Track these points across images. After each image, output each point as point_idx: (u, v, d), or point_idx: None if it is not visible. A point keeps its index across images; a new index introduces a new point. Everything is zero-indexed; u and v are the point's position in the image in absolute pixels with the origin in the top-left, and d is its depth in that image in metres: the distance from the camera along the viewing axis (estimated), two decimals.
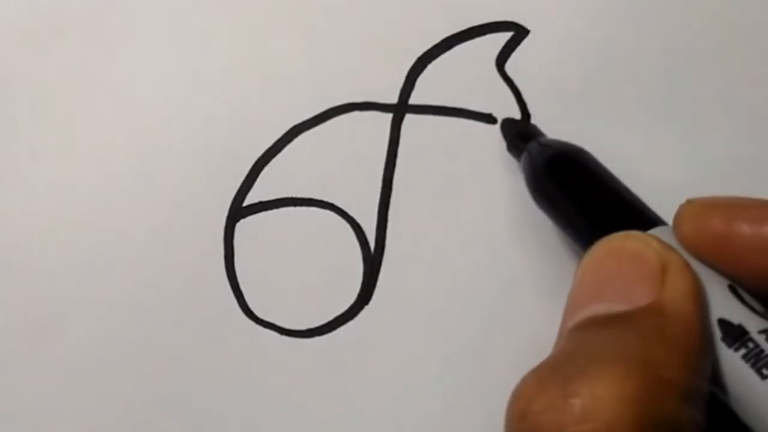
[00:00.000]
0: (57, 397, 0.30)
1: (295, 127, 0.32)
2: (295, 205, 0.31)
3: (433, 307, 0.30)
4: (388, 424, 0.29)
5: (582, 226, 0.26)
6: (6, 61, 0.33)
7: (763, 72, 0.31)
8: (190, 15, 0.33)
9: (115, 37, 0.33)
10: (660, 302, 0.22)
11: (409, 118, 0.32)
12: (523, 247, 0.30)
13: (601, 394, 0.20)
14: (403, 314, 0.30)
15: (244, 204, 0.31)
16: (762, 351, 0.21)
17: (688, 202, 0.24)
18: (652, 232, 0.24)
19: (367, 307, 0.30)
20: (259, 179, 0.31)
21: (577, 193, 0.27)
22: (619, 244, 0.23)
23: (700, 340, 0.22)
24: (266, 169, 0.32)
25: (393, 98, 0.32)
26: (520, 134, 0.30)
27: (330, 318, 0.30)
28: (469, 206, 0.30)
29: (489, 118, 0.31)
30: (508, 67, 0.32)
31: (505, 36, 0.32)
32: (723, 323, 0.22)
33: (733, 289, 0.23)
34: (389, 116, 0.32)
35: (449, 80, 0.32)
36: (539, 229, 0.29)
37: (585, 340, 0.22)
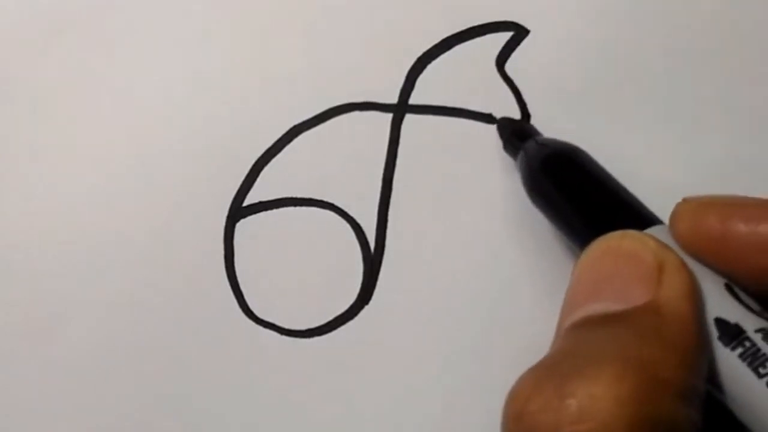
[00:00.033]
0: (57, 397, 0.30)
1: (295, 127, 0.32)
2: (295, 205, 0.31)
3: (433, 307, 0.30)
4: (388, 424, 0.29)
5: (579, 226, 0.26)
6: (6, 61, 0.33)
7: (763, 72, 0.31)
8: (190, 15, 0.33)
9: (115, 37, 0.33)
10: (656, 301, 0.22)
11: (409, 118, 0.32)
12: (524, 247, 0.30)
13: (597, 394, 0.20)
14: (403, 314, 0.30)
15: (244, 204, 0.31)
16: (759, 350, 0.21)
17: (685, 200, 0.24)
18: (648, 231, 0.24)
19: (367, 307, 0.30)
20: (259, 179, 0.31)
21: (573, 192, 0.27)
22: (616, 244, 0.23)
23: (696, 339, 0.22)
24: (266, 169, 0.32)
25: (393, 98, 0.32)
26: (516, 133, 0.30)
27: (330, 318, 0.30)
28: (469, 206, 0.30)
29: (489, 118, 0.31)
30: (508, 67, 0.32)
31: (505, 36, 0.32)
32: (719, 322, 0.22)
33: (729, 288, 0.23)
34: (389, 116, 0.32)
35: (449, 80, 0.32)
36: (540, 228, 0.29)
37: (582, 339, 0.22)
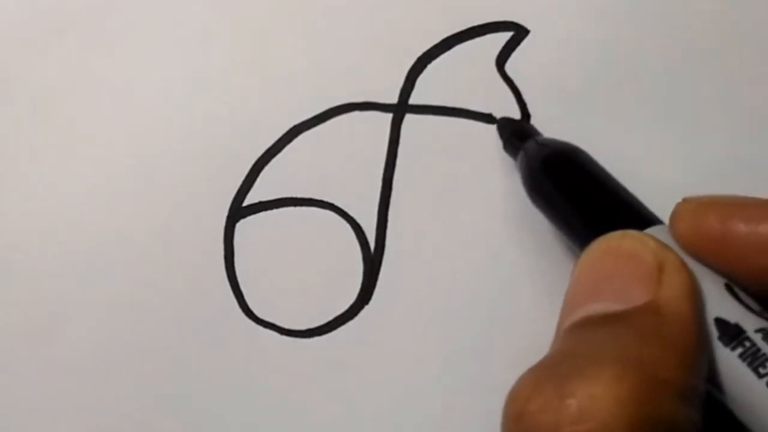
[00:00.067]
0: (57, 397, 0.30)
1: (295, 127, 0.32)
2: (295, 205, 0.31)
3: (433, 307, 0.30)
4: (388, 424, 0.29)
5: (579, 226, 0.26)
6: (6, 61, 0.33)
7: (763, 72, 0.31)
8: (190, 15, 0.33)
9: (115, 37, 0.33)
10: (656, 301, 0.22)
11: (409, 118, 0.32)
12: (524, 247, 0.30)
13: (597, 394, 0.20)
14: (403, 314, 0.30)
15: (244, 204, 0.31)
16: (759, 350, 0.21)
17: (684, 200, 0.24)
18: (648, 231, 0.24)
19: (367, 307, 0.30)
20: (259, 179, 0.31)
21: (573, 192, 0.27)
22: (616, 244, 0.23)
23: (696, 339, 0.22)
24: (266, 169, 0.32)
25: (393, 98, 0.32)
26: (516, 133, 0.30)
27: (330, 318, 0.30)
28: (469, 206, 0.30)
29: (489, 118, 0.31)
30: (508, 67, 0.32)
31: (505, 36, 0.32)
32: (719, 322, 0.22)
33: (729, 287, 0.23)
34: (389, 116, 0.32)
35: (449, 80, 0.32)
36: (540, 228, 0.29)
37: (582, 339, 0.22)
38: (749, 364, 0.21)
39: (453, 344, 0.29)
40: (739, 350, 0.22)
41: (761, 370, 0.21)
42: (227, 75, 0.32)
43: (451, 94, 0.31)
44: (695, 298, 0.22)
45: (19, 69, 0.33)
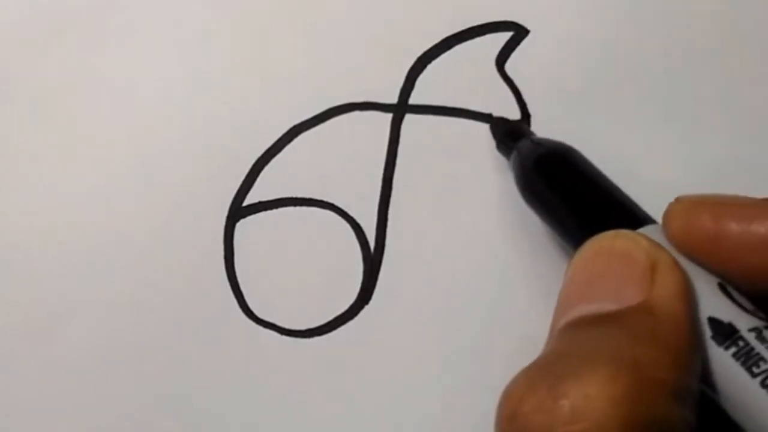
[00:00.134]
0: (57, 397, 0.30)
1: (295, 127, 0.32)
2: (295, 205, 0.31)
3: (433, 307, 0.30)
4: (388, 424, 0.29)
5: (572, 225, 0.26)
6: (6, 61, 0.33)
7: (763, 72, 0.31)
8: (190, 15, 0.33)
9: (115, 37, 0.33)
10: (649, 301, 0.22)
11: (409, 118, 0.32)
12: (525, 247, 0.30)
13: (590, 394, 0.20)
14: (403, 314, 0.30)
15: (244, 204, 0.31)
16: (752, 349, 0.21)
17: (677, 200, 0.24)
18: (641, 230, 0.24)
19: (367, 307, 0.30)
20: (259, 179, 0.31)
21: (566, 192, 0.27)
22: (609, 243, 0.23)
23: (689, 338, 0.22)
24: (266, 169, 0.32)
25: (393, 98, 0.32)
26: (509, 133, 0.30)
27: (330, 318, 0.30)
28: (469, 206, 0.30)
29: (489, 119, 0.31)
30: (508, 67, 0.32)
31: (505, 36, 0.32)
32: (713, 321, 0.22)
33: (722, 287, 0.23)
34: (389, 116, 0.32)
35: (449, 80, 0.32)
36: (541, 228, 0.29)
37: (575, 339, 0.22)
38: (743, 364, 0.21)
39: (453, 344, 0.29)
40: (733, 349, 0.22)
41: (755, 370, 0.21)
42: (227, 75, 0.32)
43: (451, 94, 0.31)
44: (688, 297, 0.22)
45: (19, 69, 0.33)
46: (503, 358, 0.29)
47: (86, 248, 0.31)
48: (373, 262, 0.30)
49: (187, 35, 0.33)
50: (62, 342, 0.31)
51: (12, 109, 0.33)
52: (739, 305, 0.22)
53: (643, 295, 0.22)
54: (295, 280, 0.30)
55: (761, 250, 0.23)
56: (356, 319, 0.30)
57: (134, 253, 0.31)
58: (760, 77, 0.31)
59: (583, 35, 0.32)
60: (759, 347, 0.21)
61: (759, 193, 0.24)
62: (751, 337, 0.22)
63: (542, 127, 0.30)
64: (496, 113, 0.31)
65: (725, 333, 0.22)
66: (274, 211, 0.31)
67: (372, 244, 0.31)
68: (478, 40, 0.32)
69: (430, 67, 0.32)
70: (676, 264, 0.23)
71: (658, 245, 0.23)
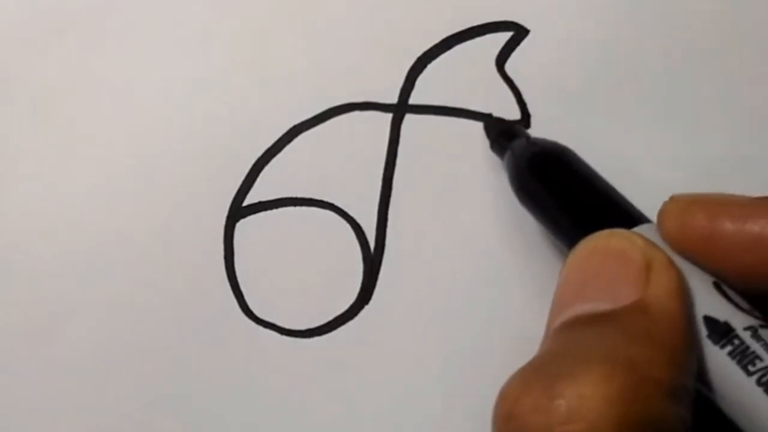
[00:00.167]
0: (57, 397, 0.30)
1: (295, 127, 0.32)
2: (295, 205, 0.31)
3: (433, 307, 0.30)
4: (388, 424, 0.29)
5: (566, 225, 0.26)
6: (6, 61, 0.33)
7: (763, 72, 0.31)
8: (190, 15, 0.33)
9: (115, 37, 0.33)
10: (645, 300, 0.22)
11: (409, 118, 0.32)
12: (524, 246, 0.30)
13: (586, 394, 0.20)
14: (403, 314, 0.30)
15: (244, 204, 0.31)
16: (747, 348, 0.21)
17: (672, 199, 0.24)
18: (636, 229, 0.24)
19: (367, 307, 0.30)
20: (259, 179, 0.31)
21: (560, 192, 0.27)
22: (604, 243, 0.23)
23: (685, 337, 0.22)
24: (266, 169, 0.32)
25: (393, 98, 0.32)
26: (503, 133, 0.30)
27: (330, 318, 0.30)
28: (469, 206, 0.30)
29: (489, 118, 0.31)
30: (508, 67, 0.32)
31: (505, 36, 0.32)
32: (708, 320, 0.22)
33: (718, 286, 0.23)
34: (389, 116, 0.32)
35: (449, 80, 0.32)
36: (541, 228, 0.29)
37: (571, 339, 0.22)
38: (738, 362, 0.21)
39: (453, 344, 0.29)
40: (728, 348, 0.22)
41: (750, 368, 0.21)
42: (227, 75, 0.32)
43: (451, 94, 0.31)
44: (684, 296, 0.22)
45: (19, 69, 0.33)
46: (503, 358, 0.29)
47: (86, 248, 0.31)
48: (373, 262, 0.30)
49: (187, 35, 0.33)
50: (62, 342, 0.31)
51: (12, 109, 0.33)
52: (735, 304, 0.22)
53: (638, 294, 0.22)
54: (295, 280, 0.30)
55: (756, 249, 0.23)
56: (356, 319, 0.30)
57: (134, 253, 0.31)
58: (760, 77, 0.31)
59: (583, 35, 0.32)
60: (754, 346, 0.21)
61: (759, 193, 0.24)
62: (746, 336, 0.22)
63: (542, 127, 0.30)
64: (496, 113, 0.31)
65: (721, 332, 0.22)
66: (274, 211, 0.31)
67: (372, 244, 0.31)
68: (478, 40, 0.32)
69: (430, 67, 0.32)
70: (671, 263, 0.23)
71: (653, 244, 0.23)
